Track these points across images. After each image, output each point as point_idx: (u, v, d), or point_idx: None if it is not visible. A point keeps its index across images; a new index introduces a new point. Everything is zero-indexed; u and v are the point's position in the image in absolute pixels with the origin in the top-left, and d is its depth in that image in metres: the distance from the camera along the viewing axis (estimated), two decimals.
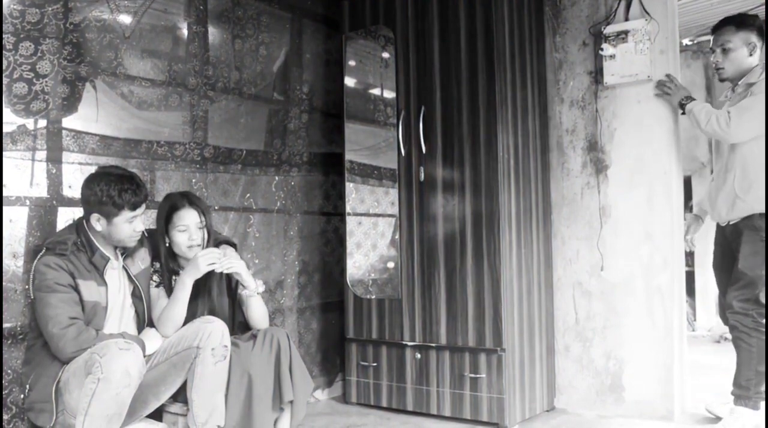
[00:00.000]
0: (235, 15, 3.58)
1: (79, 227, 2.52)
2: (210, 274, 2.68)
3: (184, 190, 3.19)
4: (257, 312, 2.77)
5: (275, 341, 2.63)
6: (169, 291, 2.72)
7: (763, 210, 3.12)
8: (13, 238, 2.66)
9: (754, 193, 3.15)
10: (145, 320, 2.67)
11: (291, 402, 2.64)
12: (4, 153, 2.64)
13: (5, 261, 2.63)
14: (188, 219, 2.69)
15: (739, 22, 3.27)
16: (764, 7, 4.98)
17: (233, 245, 2.86)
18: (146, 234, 2.74)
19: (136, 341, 2.42)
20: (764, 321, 3.14)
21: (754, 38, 3.23)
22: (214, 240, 2.80)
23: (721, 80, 3.35)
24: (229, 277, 2.80)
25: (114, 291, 2.56)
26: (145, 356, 2.43)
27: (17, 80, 2.69)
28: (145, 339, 2.53)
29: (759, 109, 3.09)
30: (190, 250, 2.71)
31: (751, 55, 3.24)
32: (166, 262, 2.75)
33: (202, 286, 2.73)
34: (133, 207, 2.48)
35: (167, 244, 2.74)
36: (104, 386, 2.18)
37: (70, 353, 2.34)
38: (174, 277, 2.76)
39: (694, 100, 3.31)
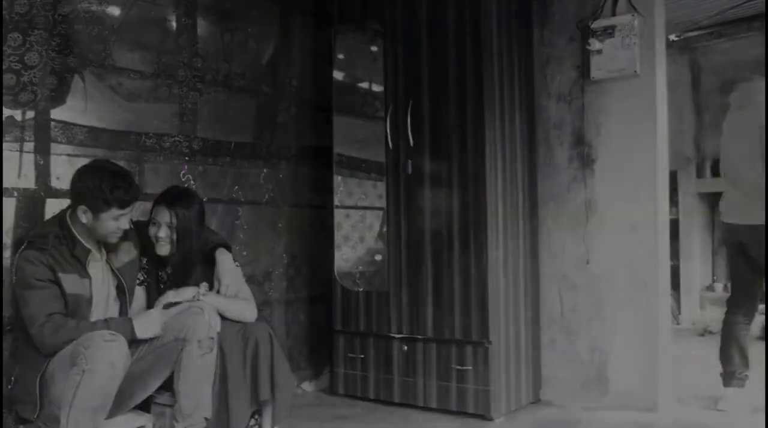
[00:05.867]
0: (224, 7, 3.58)
1: (61, 219, 2.50)
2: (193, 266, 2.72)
3: (174, 182, 3.19)
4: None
5: (252, 341, 2.62)
6: (155, 284, 2.76)
7: (727, 220, 3.21)
8: None
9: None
10: (128, 314, 2.65)
11: (270, 399, 2.63)
12: None
13: None
14: (159, 217, 2.71)
15: None
16: (764, 5, 5.01)
17: (228, 248, 2.83)
18: (132, 226, 2.73)
19: (124, 322, 2.43)
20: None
21: None
22: (206, 242, 2.78)
23: None
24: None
25: (98, 283, 2.55)
26: (138, 338, 2.43)
27: (5, 71, 2.68)
28: (138, 321, 2.47)
29: None
30: (156, 242, 2.72)
31: None
32: (155, 255, 2.76)
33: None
34: (123, 205, 2.46)
35: None
36: (89, 378, 2.18)
37: (51, 349, 2.33)
38: (160, 272, 2.79)
39: None
